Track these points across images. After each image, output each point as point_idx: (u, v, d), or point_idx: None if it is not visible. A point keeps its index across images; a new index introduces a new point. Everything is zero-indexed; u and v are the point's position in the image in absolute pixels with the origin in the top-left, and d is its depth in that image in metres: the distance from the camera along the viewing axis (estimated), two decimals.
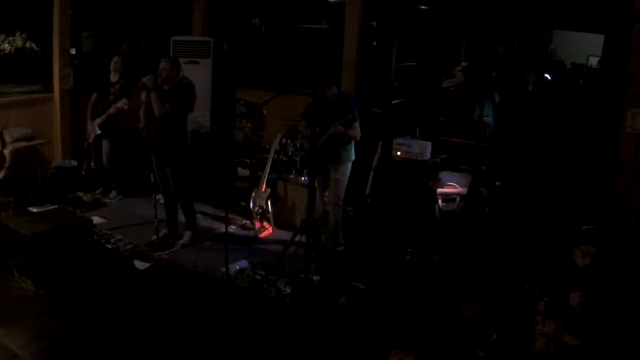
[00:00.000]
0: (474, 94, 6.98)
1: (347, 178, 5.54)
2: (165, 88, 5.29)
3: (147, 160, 5.62)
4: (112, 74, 6.54)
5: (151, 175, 5.60)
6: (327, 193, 5.60)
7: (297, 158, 6.46)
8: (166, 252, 5.49)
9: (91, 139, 6.66)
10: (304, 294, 4.65)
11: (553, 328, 3.49)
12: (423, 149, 5.77)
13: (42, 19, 6.84)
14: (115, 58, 6.58)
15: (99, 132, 6.53)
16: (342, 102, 5.37)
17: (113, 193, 6.76)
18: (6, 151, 6.14)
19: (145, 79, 5.21)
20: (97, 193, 6.79)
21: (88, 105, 6.65)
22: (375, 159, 5.98)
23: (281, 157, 6.55)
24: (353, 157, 5.54)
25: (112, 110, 6.37)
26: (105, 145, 6.56)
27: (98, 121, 6.50)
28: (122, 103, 6.33)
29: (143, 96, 5.36)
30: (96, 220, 5.87)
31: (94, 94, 6.64)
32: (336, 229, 5.58)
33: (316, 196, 5.62)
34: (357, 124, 5.36)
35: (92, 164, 6.81)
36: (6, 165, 6.15)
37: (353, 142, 5.50)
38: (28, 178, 6.46)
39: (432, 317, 4.27)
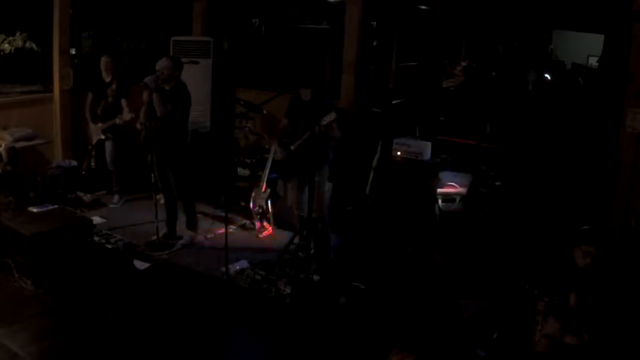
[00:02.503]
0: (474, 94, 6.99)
1: (327, 184, 5.14)
2: (167, 88, 5.28)
3: (147, 160, 5.62)
4: (104, 74, 6.47)
5: (152, 175, 5.59)
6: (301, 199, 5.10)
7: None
8: (166, 252, 5.49)
9: (93, 142, 6.64)
10: (304, 294, 4.65)
11: (557, 329, 3.49)
12: (423, 149, 5.77)
13: (42, 19, 6.84)
14: (104, 58, 6.46)
15: (102, 137, 6.50)
16: (320, 103, 4.94)
17: (116, 197, 6.71)
18: (1, 149, 6.13)
19: (147, 80, 5.19)
20: (97, 194, 6.78)
21: (85, 106, 6.63)
22: (375, 159, 5.98)
23: None
24: (331, 157, 5.14)
25: (118, 121, 6.34)
26: (108, 146, 6.53)
27: (101, 126, 6.47)
28: (128, 116, 6.28)
29: (145, 96, 5.35)
30: (96, 220, 5.87)
31: (90, 95, 6.60)
32: (324, 243, 5.12)
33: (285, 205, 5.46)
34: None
35: (92, 164, 6.80)
36: (3, 162, 6.14)
37: (329, 146, 5.09)
38: (28, 178, 6.45)
39: (432, 317, 4.27)
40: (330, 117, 4.72)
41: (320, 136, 4.79)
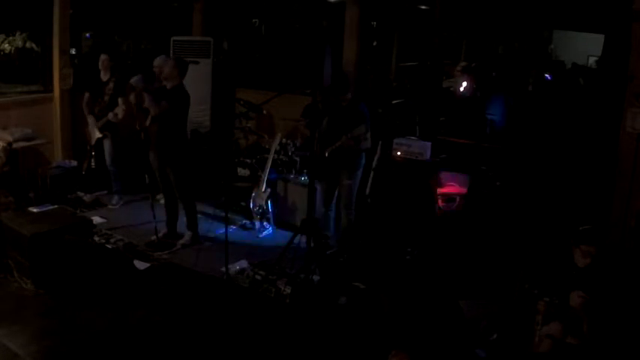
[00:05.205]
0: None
1: (358, 182, 5.46)
2: (168, 87, 5.27)
3: (146, 160, 5.61)
4: (102, 73, 6.45)
5: (146, 176, 5.58)
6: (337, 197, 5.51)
7: (297, 158, 6.45)
8: (166, 252, 5.49)
9: (93, 142, 6.63)
10: (304, 294, 4.65)
11: (559, 330, 3.49)
12: (423, 149, 5.77)
13: (42, 19, 6.84)
14: (102, 57, 6.44)
15: (100, 136, 6.50)
16: (356, 111, 5.18)
17: (115, 198, 6.71)
18: None
19: (133, 80, 5.16)
20: (97, 194, 6.78)
21: (83, 105, 6.61)
22: (375, 159, 5.98)
23: (281, 157, 6.56)
24: (364, 162, 5.44)
25: (110, 117, 6.33)
26: (106, 145, 6.53)
27: (98, 124, 6.47)
28: (121, 111, 6.29)
29: (132, 98, 5.31)
30: (96, 220, 5.87)
31: (87, 94, 6.58)
32: (347, 231, 5.49)
33: (317, 200, 5.62)
34: (368, 135, 5.18)
35: (92, 164, 6.80)
36: (1, 162, 6.14)
37: (361, 152, 5.36)
38: (28, 178, 6.45)
39: (432, 317, 4.27)
40: (360, 130, 5.00)
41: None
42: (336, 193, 5.52)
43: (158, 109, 5.19)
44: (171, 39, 7.60)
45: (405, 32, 8.17)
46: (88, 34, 8.23)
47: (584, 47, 9.18)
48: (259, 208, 6.05)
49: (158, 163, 5.52)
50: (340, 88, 5.17)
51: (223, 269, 4.86)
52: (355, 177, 5.38)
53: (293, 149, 6.56)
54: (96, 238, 5.41)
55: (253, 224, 6.13)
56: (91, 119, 6.53)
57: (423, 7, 7.99)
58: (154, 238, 5.60)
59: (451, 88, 7.25)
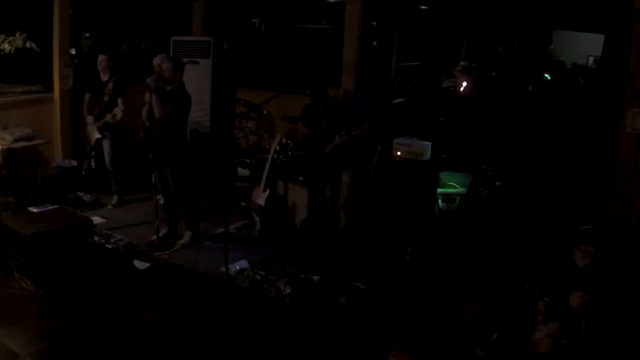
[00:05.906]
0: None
1: (358, 180, 5.47)
2: (169, 88, 5.28)
3: (147, 160, 5.61)
4: (102, 74, 6.46)
5: (152, 176, 5.59)
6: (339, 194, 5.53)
7: (297, 158, 6.42)
8: (166, 252, 5.49)
9: (92, 142, 6.63)
10: (304, 294, 4.65)
11: (557, 329, 3.49)
12: (423, 149, 5.77)
13: (42, 19, 6.84)
14: (100, 57, 6.43)
15: (99, 136, 6.50)
16: (351, 106, 5.24)
17: (115, 198, 6.71)
18: None
19: (148, 80, 5.19)
20: (97, 194, 6.78)
21: (83, 106, 6.61)
22: (375, 159, 5.98)
23: (281, 157, 6.55)
24: (364, 156, 5.46)
25: (108, 119, 6.32)
26: (106, 146, 6.53)
27: (97, 124, 6.47)
28: (119, 112, 6.28)
29: (147, 96, 5.35)
30: (96, 220, 5.86)
31: (87, 95, 6.57)
32: (346, 229, 5.52)
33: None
34: (365, 128, 5.18)
35: (92, 164, 6.79)
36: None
37: (360, 147, 5.37)
38: (28, 178, 6.45)
39: (432, 317, 4.27)
40: (343, 139, 5.02)
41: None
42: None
43: (163, 112, 5.19)
44: (172, 39, 7.59)
45: (405, 32, 8.18)
46: (88, 34, 8.22)
47: (584, 47, 9.19)
48: (259, 208, 6.05)
49: (157, 162, 5.51)
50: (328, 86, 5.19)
51: (223, 269, 4.86)
52: (356, 173, 5.37)
53: (293, 149, 6.56)
54: (96, 238, 5.42)
55: (253, 224, 6.13)
56: (90, 119, 6.52)
57: (423, 7, 8.00)
58: (154, 238, 5.60)
59: (451, 88, 7.26)
